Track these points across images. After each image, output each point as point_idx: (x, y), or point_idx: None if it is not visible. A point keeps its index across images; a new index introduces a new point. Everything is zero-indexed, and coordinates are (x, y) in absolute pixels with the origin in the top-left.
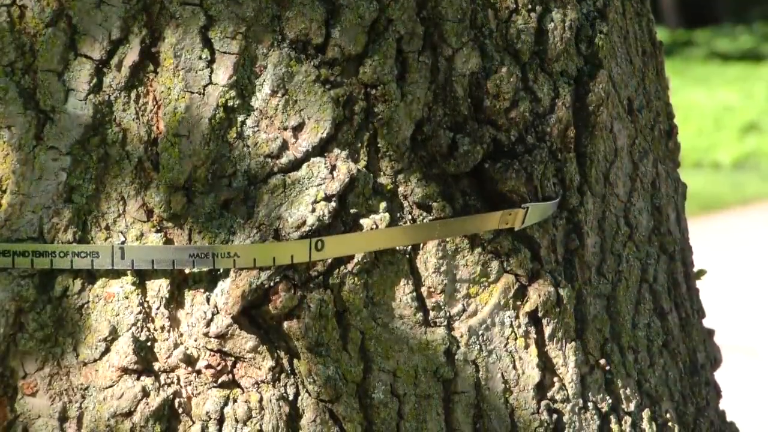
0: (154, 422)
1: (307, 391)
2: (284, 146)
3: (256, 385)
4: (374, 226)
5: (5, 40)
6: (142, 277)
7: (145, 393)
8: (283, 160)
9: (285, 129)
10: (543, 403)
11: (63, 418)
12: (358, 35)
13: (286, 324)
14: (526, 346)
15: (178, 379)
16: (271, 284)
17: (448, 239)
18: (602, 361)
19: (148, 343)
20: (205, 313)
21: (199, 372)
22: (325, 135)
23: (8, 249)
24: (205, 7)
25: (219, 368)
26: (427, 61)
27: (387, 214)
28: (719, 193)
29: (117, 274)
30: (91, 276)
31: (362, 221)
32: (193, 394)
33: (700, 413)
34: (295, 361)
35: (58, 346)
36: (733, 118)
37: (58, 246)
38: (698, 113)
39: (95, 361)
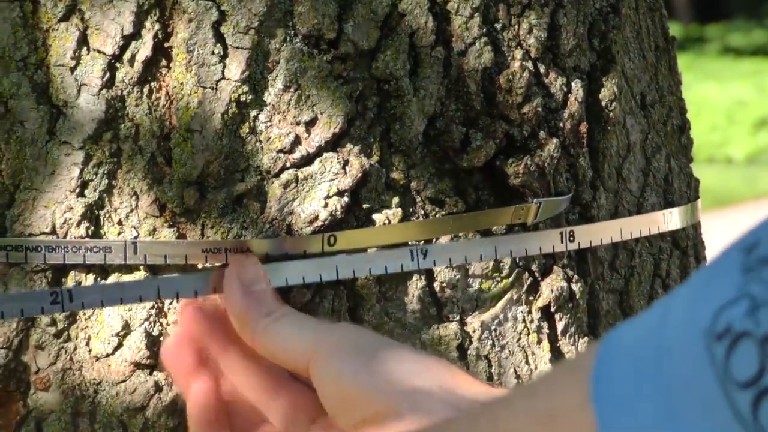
0: (167, 417)
1: None
2: (297, 141)
3: None
4: (387, 221)
5: (18, 35)
6: (154, 273)
7: (158, 388)
8: (296, 155)
9: (297, 124)
10: None
11: (75, 413)
12: (371, 30)
13: None
14: (539, 341)
15: None
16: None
17: (460, 234)
18: None
19: (161, 338)
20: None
21: None
22: (337, 130)
23: (21, 244)
24: (218, 2)
25: None
26: (439, 56)
27: (400, 209)
28: (732, 188)
29: (130, 269)
30: (103, 271)
31: (375, 216)
32: None
33: None
34: None
35: (70, 341)
36: (746, 113)
37: (71, 241)
38: (711, 108)
39: (108, 356)
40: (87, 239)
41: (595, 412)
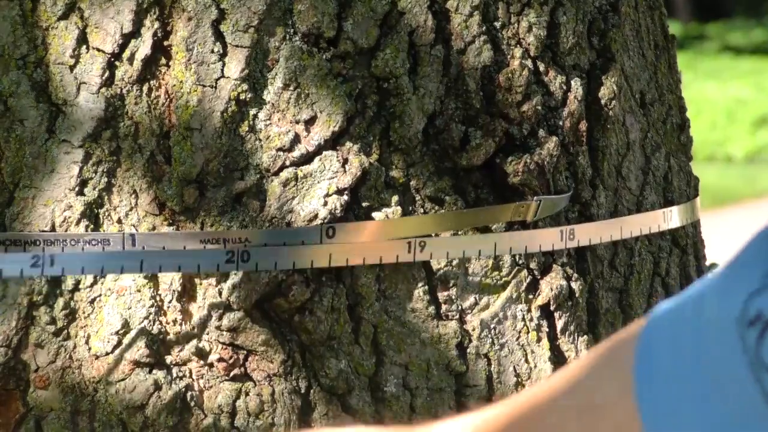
0: (167, 415)
1: (319, 385)
2: (296, 139)
3: (268, 379)
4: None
5: (17, 34)
6: None
7: (158, 386)
8: (295, 153)
9: (297, 122)
10: None
11: (75, 411)
12: (370, 28)
13: (298, 317)
14: (538, 340)
15: (191, 373)
16: (284, 277)
17: (460, 232)
18: None
19: (161, 337)
20: (217, 306)
21: (211, 365)
22: (337, 128)
23: (20, 238)
24: (217, 0)
25: (231, 361)
26: (439, 54)
27: (399, 208)
28: (732, 186)
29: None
30: None
31: (374, 214)
32: (205, 387)
33: None
34: (307, 354)
35: (70, 339)
36: (745, 112)
37: (70, 234)
38: (711, 107)
39: (107, 354)
40: (85, 233)
41: (639, 408)
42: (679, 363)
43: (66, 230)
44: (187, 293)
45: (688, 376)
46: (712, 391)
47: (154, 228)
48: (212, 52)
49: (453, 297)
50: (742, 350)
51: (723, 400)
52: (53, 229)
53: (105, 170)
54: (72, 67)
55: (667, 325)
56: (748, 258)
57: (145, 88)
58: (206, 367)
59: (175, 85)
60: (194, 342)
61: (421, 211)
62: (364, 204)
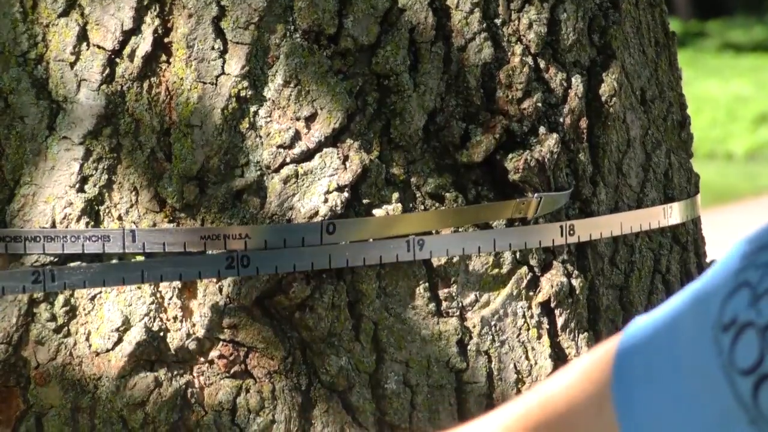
0: (167, 412)
1: (319, 382)
2: (297, 136)
3: (268, 375)
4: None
5: (18, 31)
6: None
7: (158, 383)
8: (296, 150)
9: (297, 119)
10: None
11: (76, 408)
12: (371, 25)
13: (298, 314)
14: (539, 337)
15: (191, 370)
16: (284, 274)
17: (460, 229)
18: None
19: (161, 334)
20: (217, 303)
21: (211, 362)
22: (337, 125)
23: (19, 234)
24: None
25: (231, 358)
26: (439, 51)
27: (399, 205)
28: (732, 183)
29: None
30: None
31: (375, 211)
32: (205, 384)
33: None
34: (308, 351)
35: (70, 336)
36: (745, 109)
37: (70, 230)
38: (711, 104)
39: (108, 351)
40: (85, 229)
41: (619, 422)
42: (657, 373)
43: (66, 227)
44: (187, 290)
45: (666, 386)
46: (690, 398)
47: (154, 225)
48: (213, 49)
49: (453, 294)
50: (717, 354)
51: (700, 406)
52: (54, 225)
53: (105, 167)
54: (72, 64)
55: (644, 337)
56: (725, 261)
57: (145, 85)
58: (207, 364)
59: (175, 82)
60: (195, 339)
61: (422, 208)
62: (365, 201)
